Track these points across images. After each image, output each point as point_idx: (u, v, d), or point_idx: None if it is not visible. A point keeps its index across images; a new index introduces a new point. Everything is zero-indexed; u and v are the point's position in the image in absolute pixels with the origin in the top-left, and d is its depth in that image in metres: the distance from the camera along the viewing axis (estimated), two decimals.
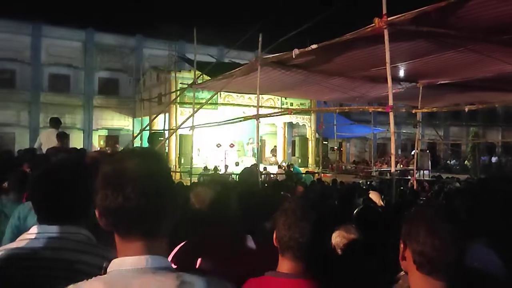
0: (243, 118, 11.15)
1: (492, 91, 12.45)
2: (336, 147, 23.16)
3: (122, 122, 27.33)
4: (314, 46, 7.40)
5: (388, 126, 6.96)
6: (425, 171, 22.09)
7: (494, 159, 32.56)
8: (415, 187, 11.37)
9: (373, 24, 6.45)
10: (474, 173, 23.85)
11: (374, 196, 4.53)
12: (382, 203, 4.48)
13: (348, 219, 3.36)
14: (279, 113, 12.26)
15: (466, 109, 8.00)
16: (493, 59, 8.25)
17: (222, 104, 18.48)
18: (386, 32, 6.34)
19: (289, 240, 1.71)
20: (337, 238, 2.45)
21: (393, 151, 6.84)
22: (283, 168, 18.32)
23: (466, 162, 30.19)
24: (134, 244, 1.13)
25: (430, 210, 1.52)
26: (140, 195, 1.10)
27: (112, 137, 27.20)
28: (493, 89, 12.03)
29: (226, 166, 18.48)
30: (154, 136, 17.23)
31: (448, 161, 32.84)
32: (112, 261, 1.14)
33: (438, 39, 7.31)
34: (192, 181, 11.77)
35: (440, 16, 6.03)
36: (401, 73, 10.51)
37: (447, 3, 5.52)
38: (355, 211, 3.50)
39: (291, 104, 19.29)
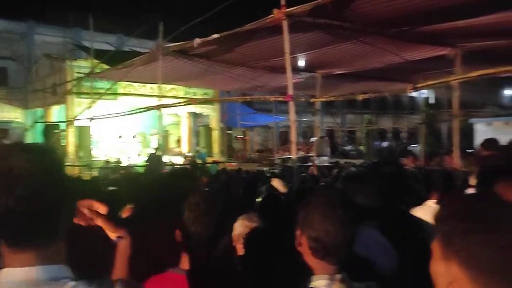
0: (145, 109, 10.82)
1: (382, 81, 13.38)
2: (240, 136, 23.42)
3: (12, 114, 25.08)
4: (215, 36, 7.39)
5: (289, 114, 7.18)
6: (325, 157, 23.24)
7: (385, 144, 35.22)
8: (315, 173, 11.92)
9: (272, 15, 6.59)
10: (368, 157, 25.61)
11: (276, 183, 4.62)
12: (284, 190, 4.61)
13: (253, 208, 3.42)
14: (183, 104, 12.09)
15: (360, 98, 8.52)
16: (383, 50, 8.84)
17: (123, 94, 17.74)
18: (285, 23, 6.52)
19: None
20: (240, 228, 2.46)
21: (293, 139, 7.07)
22: (188, 158, 18.14)
23: (361, 147, 32.28)
24: (25, 253, 1.02)
25: (323, 197, 1.58)
26: (30, 197, 0.98)
27: (1, 131, 24.93)
28: (383, 78, 12.93)
29: (129, 158, 17.86)
30: (49, 129, 16.14)
31: (345, 147, 34.88)
32: (1, 271, 1.02)
33: (334, 31, 7.67)
34: (92, 175, 11.22)
35: (335, 9, 6.32)
36: (301, 63, 10.87)
37: None
38: (259, 199, 3.57)
39: (195, 94, 19.09)
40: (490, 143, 4.95)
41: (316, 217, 1.47)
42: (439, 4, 6.08)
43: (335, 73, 11.91)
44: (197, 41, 7.73)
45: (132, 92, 17.90)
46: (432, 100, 34.09)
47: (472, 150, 17.39)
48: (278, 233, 2.55)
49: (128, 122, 18.04)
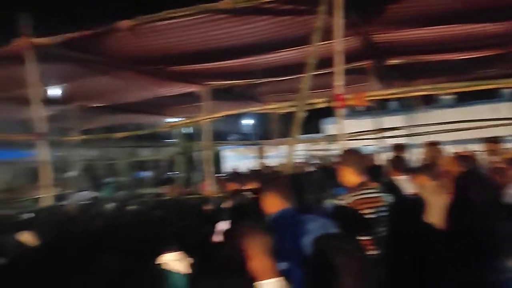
0: None
1: (141, 114, 13.75)
2: None
3: None
4: None
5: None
6: (85, 192, 21.92)
7: (147, 174, 35.62)
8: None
9: (16, 43, 6.10)
10: (129, 189, 25.38)
11: (26, 237, 3.56)
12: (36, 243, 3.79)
13: None
14: None
15: (118, 137, 8.68)
16: (138, 85, 9.09)
17: None
18: (30, 53, 6.10)
19: None
20: None
21: (46, 180, 6.49)
22: None
23: (123, 179, 31.70)
24: None
25: None
26: None
27: None
28: (141, 111, 13.28)
29: None
30: None
31: (107, 180, 33.69)
32: None
33: (86, 65, 7.49)
34: None
35: (86, 43, 6.22)
36: (54, 95, 10.16)
37: (94, 32, 5.77)
38: None
39: None
40: (234, 176, 5.65)
41: None
42: (185, 48, 6.63)
43: (92, 105, 11.54)
44: None
45: None
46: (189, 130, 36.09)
47: (221, 175, 18.94)
48: None
49: None
